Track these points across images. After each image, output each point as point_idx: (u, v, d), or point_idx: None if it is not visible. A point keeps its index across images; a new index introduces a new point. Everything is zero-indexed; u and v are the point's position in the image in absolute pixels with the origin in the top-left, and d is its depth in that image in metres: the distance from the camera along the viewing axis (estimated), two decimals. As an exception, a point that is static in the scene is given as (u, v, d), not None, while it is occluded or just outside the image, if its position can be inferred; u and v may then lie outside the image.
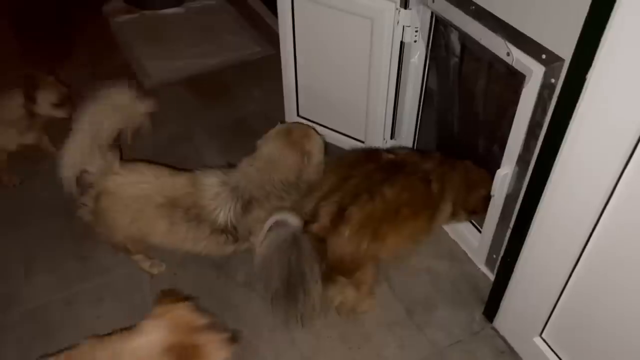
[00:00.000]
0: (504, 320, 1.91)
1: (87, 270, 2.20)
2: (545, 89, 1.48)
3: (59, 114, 2.40)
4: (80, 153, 1.81)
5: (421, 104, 2.30)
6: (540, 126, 1.55)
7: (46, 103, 2.36)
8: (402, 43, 2.07)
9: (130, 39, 3.65)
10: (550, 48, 1.42)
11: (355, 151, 2.19)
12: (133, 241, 1.99)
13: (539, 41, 1.45)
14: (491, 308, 1.95)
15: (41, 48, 3.45)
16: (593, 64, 1.21)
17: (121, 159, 1.93)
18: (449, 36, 2.07)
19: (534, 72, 1.50)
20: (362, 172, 1.85)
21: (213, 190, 1.90)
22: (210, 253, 1.99)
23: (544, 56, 1.45)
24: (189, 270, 2.18)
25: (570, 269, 1.50)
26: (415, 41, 2.08)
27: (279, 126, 2.01)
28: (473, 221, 2.18)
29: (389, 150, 2.05)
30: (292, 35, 2.40)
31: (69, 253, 2.26)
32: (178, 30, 3.74)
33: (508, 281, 1.78)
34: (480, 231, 2.10)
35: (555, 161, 1.41)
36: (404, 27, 2.02)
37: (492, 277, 2.07)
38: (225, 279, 2.15)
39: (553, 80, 1.44)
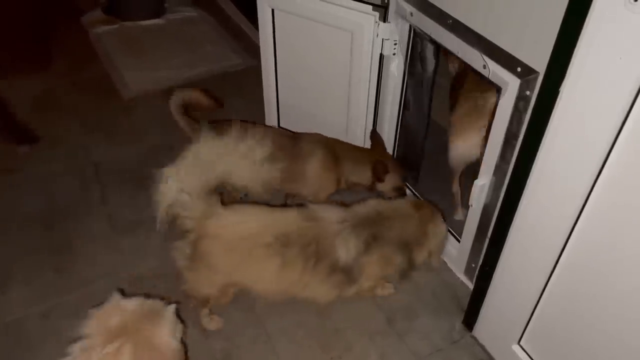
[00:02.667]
0: (483, 328, 1.94)
1: (65, 282, 2.17)
2: (521, 100, 1.52)
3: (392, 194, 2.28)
4: (185, 196, 1.67)
5: (400, 113, 2.33)
6: (517, 137, 1.58)
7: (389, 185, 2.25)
8: (381, 55, 2.10)
9: (109, 49, 3.63)
10: (525, 61, 1.46)
11: None
12: (226, 291, 1.85)
13: (514, 55, 1.49)
14: (470, 316, 1.97)
15: (20, 58, 3.41)
16: (566, 77, 1.25)
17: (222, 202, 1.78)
18: (425, 50, 2.11)
19: (510, 85, 1.54)
20: None
21: (334, 225, 1.76)
22: (317, 298, 1.83)
23: (519, 69, 1.48)
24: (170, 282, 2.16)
25: (547, 278, 1.53)
26: (394, 54, 2.11)
27: (410, 199, 2.02)
28: (452, 231, 2.21)
29: None
30: (273, 47, 2.42)
31: (47, 265, 2.22)
32: (158, 41, 3.74)
33: (486, 290, 1.81)
34: (459, 240, 2.13)
35: (531, 171, 1.45)
36: (383, 40, 2.05)
37: (471, 285, 2.09)
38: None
39: (528, 93, 1.48)
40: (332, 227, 1.75)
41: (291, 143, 2.23)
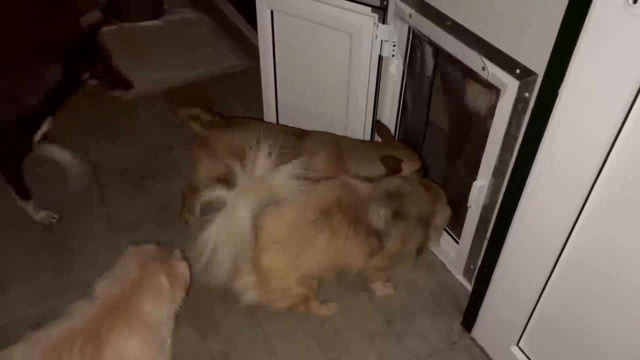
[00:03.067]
0: (481, 329, 1.94)
1: (65, 283, 2.17)
2: (520, 102, 1.52)
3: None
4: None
5: (399, 115, 2.33)
6: (515, 139, 1.59)
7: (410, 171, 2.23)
8: (380, 57, 2.11)
9: (108, 50, 3.62)
10: (524, 63, 1.46)
11: None
12: (309, 284, 1.89)
13: (513, 56, 1.50)
14: (469, 318, 1.98)
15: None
16: (564, 79, 1.25)
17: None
18: (424, 52, 2.12)
19: (509, 87, 1.54)
20: None
21: (365, 194, 1.85)
22: (352, 263, 1.90)
23: (518, 71, 1.49)
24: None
25: (546, 279, 1.53)
26: (393, 55, 2.12)
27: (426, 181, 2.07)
28: (451, 232, 2.21)
29: None
30: (272, 48, 2.42)
31: (46, 266, 2.22)
32: (157, 43, 3.73)
33: (485, 291, 1.81)
34: (457, 242, 2.14)
35: (530, 173, 1.45)
36: (382, 41, 2.06)
37: (469, 287, 2.10)
38: (204, 293, 2.14)
39: (527, 94, 1.48)
40: (364, 195, 1.84)
41: (297, 141, 2.23)
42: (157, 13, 3.98)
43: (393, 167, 2.12)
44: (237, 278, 1.81)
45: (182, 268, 1.74)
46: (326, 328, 2.03)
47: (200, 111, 2.27)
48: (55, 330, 1.48)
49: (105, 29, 3.81)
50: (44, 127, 2.23)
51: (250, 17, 2.94)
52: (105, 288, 1.59)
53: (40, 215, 2.39)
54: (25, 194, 2.33)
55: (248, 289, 1.82)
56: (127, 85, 2.40)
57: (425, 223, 1.93)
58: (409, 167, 2.15)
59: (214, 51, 3.63)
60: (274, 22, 2.32)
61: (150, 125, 2.97)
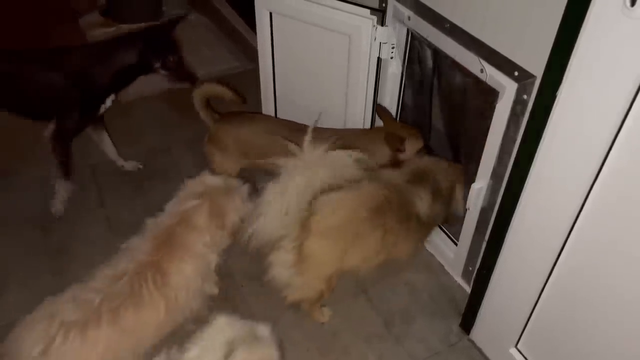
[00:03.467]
0: (480, 331, 1.94)
1: (63, 285, 2.14)
2: (518, 104, 1.53)
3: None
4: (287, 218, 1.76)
5: (399, 116, 2.33)
6: (514, 141, 1.59)
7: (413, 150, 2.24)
8: (379, 59, 2.11)
9: (107, 52, 3.63)
10: (522, 65, 1.47)
11: None
12: (332, 282, 1.91)
13: (511, 59, 1.50)
14: (468, 320, 1.98)
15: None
16: (563, 81, 1.26)
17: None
18: (423, 54, 2.12)
19: (507, 89, 1.55)
20: None
21: (404, 184, 1.90)
22: (402, 255, 1.95)
23: (516, 73, 1.49)
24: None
25: (544, 281, 1.53)
26: (391, 57, 2.12)
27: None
28: (450, 234, 2.21)
29: None
30: (271, 50, 2.42)
31: (44, 268, 2.22)
32: (155, 44, 3.73)
33: (484, 293, 1.81)
34: (456, 243, 2.14)
35: (528, 175, 1.45)
36: (380, 43, 2.06)
37: (468, 288, 2.10)
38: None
39: (525, 97, 1.49)
40: (404, 186, 1.90)
41: (302, 135, 2.23)
42: (156, 15, 3.98)
43: (396, 145, 2.13)
44: (275, 252, 1.81)
45: (233, 210, 1.81)
46: (325, 330, 2.03)
47: (224, 88, 2.34)
48: (126, 264, 1.69)
49: (103, 30, 3.82)
50: (108, 103, 2.36)
51: (249, 19, 2.94)
52: (155, 223, 1.79)
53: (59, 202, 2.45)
54: (68, 173, 2.41)
55: (281, 266, 1.81)
56: (193, 79, 2.48)
57: (451, 195, 2.04)
58: (411, 146, 2.16)
59: (213, 53, 3.63)
60: (273, 24, 2.32)
61: (149, 126, 2.97)
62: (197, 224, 1.74)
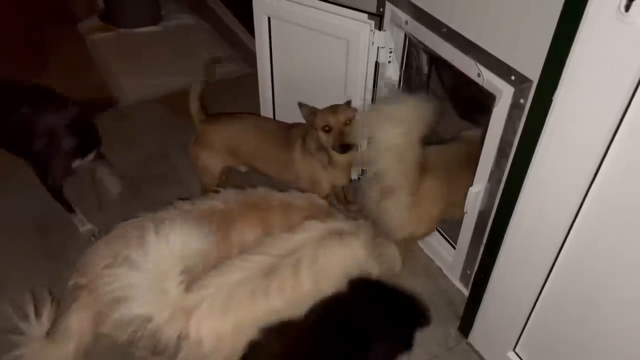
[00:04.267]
0: (478, 335, 1.94)
1: (61, 289, 2.16)
2: (515, 108, 1.53)
3: None
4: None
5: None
6: (511, 144, 1.59)
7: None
8: (376, 63, 2.12)
9: (106, 56, 3.64)
10: (519, 70, 1.47)
11: None
12: (436, 222, 2.11)
13: (508, 63, 1.51)
14: (466, 323, 1.98)
15: (15, 65, 3.42)
16: (559, 85, 1.26)
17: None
18: (420, 58, 2.13)
19: (504, 93, 1.55)
20: None
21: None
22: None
23: (513, 77, 1.50)
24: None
25: (542, 284, 1.54)
26: (389, 61, 2.13)
27: None
28: (448, 237, 2.21)
29: None
30: (269, 54, 2.43)
31: (42, 271, 2.22)
32: (154, 49, 3.75)
33: (482, 296, 1.81)
34: (454, 247, 2.14)
35: (525, 178, 1.46)
36: (378, 48, 2.07)
37: (466, 292, 2.10)
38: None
39: (522, 101, 1.49)
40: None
41: (287, 130, 2.30)
42: (155, 19, 3.99)
43: (310, 118, 2.15)
44: (389, 197, 1.90)
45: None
46: (323, 333, 2.03)
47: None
48: (201, 204, 1.90)
49: (103, 35, 3.83)
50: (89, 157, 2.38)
51: (248, 23, 2.95)
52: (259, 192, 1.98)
53: (85, 228, 2.43)
54: (69, 208, 2.40)
55: (399, 209, 1.92)
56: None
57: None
58: (320, 119, 2.15)
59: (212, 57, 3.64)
60: (271, 28, 2.33)
61: (147, 131, 2.97)
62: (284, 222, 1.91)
